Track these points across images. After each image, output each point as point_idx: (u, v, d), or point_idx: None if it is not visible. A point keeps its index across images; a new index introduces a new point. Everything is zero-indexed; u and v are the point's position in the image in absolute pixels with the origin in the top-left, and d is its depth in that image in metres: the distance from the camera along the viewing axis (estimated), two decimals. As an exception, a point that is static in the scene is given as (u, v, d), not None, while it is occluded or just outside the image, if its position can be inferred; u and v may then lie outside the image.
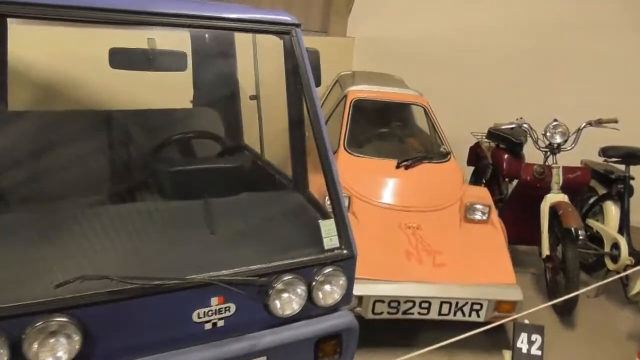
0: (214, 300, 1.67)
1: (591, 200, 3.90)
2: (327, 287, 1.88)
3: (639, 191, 3.79)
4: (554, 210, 3.30)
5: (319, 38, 6.61)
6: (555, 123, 3.42)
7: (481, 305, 2.71)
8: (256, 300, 1.73)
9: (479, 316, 2.73)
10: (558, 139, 3.41)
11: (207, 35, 3.05)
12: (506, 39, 5.35)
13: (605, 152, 3.67)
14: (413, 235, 3.00)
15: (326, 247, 1.88)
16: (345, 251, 1.91)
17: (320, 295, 1.86)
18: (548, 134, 3.41)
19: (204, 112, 3.01)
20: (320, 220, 1.90)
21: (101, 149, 2.22)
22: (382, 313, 2.68)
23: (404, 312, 2.70)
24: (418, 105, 3.89)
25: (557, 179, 3.39)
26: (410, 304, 2.68)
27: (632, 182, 3.56)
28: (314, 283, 1.83)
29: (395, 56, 6.05)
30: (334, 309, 1.93)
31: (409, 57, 5.98)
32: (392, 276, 2.73)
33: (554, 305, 3.40)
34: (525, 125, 3.52)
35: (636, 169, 3.59)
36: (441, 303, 2.69)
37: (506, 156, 4.11)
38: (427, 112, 3.86)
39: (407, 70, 5.84)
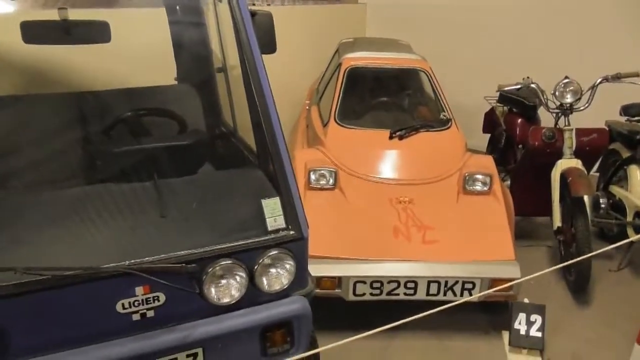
0: (139, 290, 1.55)
1: (616, 165, 3.54)
2: (273, 271, 1.73)
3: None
4: (564, 177, 2.99)
5: (329, 6, 6.34)
6: (566, 81, 3.08)
7: (473, 284, 2.49)
8: (188, 288, 1.59)
9: (471, 295, 2.51)
10: (569, 98, 3.07)
11: (178, 7, 2.91)
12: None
13: (627, 110, 3.29)
14: (404, 211, 2.79)
15: (270, 228, 1.72)
16: (292, 232, 1.74)
17: (265, 281, 1.71)
18: (557, 93, 3.08)
19: (180, 89, 2.88)
20: (263, 199, 1.73)
21: (52, 133, 2.13)
22: (364, 294, 2.51)
23: (389, 293, 2.51)
24: (418, 70, 3.61)
25: (570, 142, 3.07)
26: (395, 284, 2.49)
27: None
28: (256, 267, 1.68)
29: (410, 21, 5.72)
30: (284, 294, 1.77)
31: (424, 22, 5.64)
32: (375, 255, 2.54)
33: (567, 281, 3.12)
34: (532, 85, 3.19)
35: (664, 127, 3.20)
36: (429, 282, 2.49)
37: (519, 120, 3.78)
38: (429, 77, 3.58)
39: (423, 36, 5.51)
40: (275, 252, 1.70)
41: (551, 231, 3.37)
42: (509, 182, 3.64)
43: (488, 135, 4.45)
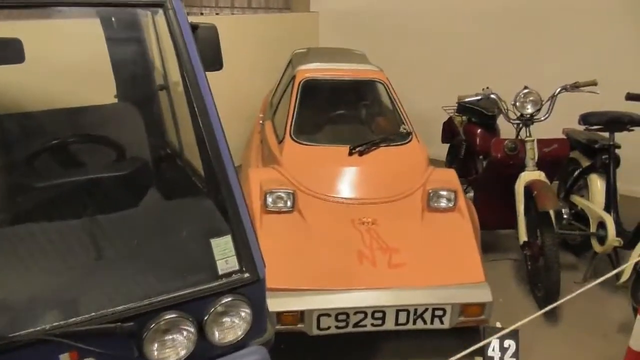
0: (65, 357, 1.30)
1: (575, 174, 3.51)
2: (226, 320, 1.51)
3: (628, 159, 3.39)
4: (529, 190, 2.91)
5: (280, 15, 6.17)
6: (525, 91, 3.01)
7: (444, 310, 2.34)
8: (125, 351, 1.36)
9: (442, 323, 2.36)
10: (530, 109, 3.01)
11: (113, 19, 2.64)
12: (479, 5, 4.90)
13: (585, 119, 3.26)
14: (367, 232, 2.62)
15: (221, 272, 1.50)
16: (247, 274, 1.53)
17: (217, 333, 1.49)
18: (518, 103, 3.01)
19: (119, 107, 2.61)
20: (212, 238, 1.52)
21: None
22: (329, 328, 2.31)
23: (355, 325, 2.33)
24: (376, 81, 3.47)
25: (532, 154, 2.99)
26: (362, 315, 2.31)
27: (617, 151, 3.16)
28: (206, 319, 1.46)
29: (364, 30, 5.63)
30: (240, 345, 1.56)
31: (378, 30, 5.57)
32: (339, 284, 2.35)
33: (535, 297, 3.04)
34: (493, 95, 3.11)
35: (621, 135, 3.18)
36: (397, 311, 2.32)
37: (479, 131, 3.71)
38: (386, 89, 3.45)
39: (378, 45, 5.43)
40: (228, 299, 1.49)
41: (515, 243, 3.29)
42: (471, 194, 3.56)
43: (447, 145, 4.39)
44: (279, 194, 2.69)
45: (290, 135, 3.10)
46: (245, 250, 1.54)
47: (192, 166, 2.16)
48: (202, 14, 6.82)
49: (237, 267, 1.52)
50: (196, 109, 1.58)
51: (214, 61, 1.85)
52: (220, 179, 1.56)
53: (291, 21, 5.91)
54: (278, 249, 2.46)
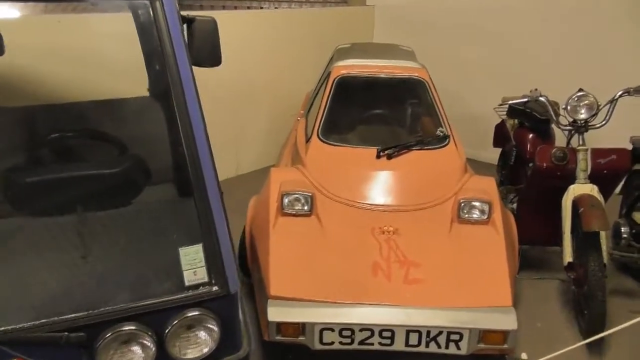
0: (12, 363, 1.26)
1: (640, 189, 3.10)
2: (191, 335, 1.41)
3: None
4: (577, 205, 2.59)
5: (336, 9, 6.02)
6: (580, 94, 2.67)
7: (461, 335, 2.12)
8: (76, 360, 1.29)
9: (458, 348, 2.14)
10: (584, 114, 2.67)
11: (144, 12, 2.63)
12: (540, 4, 4.50)
13: (653, 127, 2.85)
14: (386, 243, 2.44)
15: (187, 283, 1.41)
16: (216, 288, 1.43)
17: (178, 349, 1.40)
18: (569, 107, 2.68)
19: (141, 102, 2.59)
20: (181, 247, 1.42)
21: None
22: (332, 343, 2.16)
23: (361, 342, 2.16)
24: (415, 79, 3.24)
25: (584, 165, 2.66)
26: (368, 333, 2.14)
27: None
28: (167, 332, 1.37)
29: (421, 25, 5.36)
30: (209, 362, 1.46)
31: (436, 25, 5.28)
32: (346, 297, 2.20)
33: (580, 327, 2.71)
34: (542, 97, 2.80)
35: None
36: (408, 332, 2.13)
37: (530, 136, 3.38)
38: (427, 88, 3.21)
39: (435, 41, 5.16)
40: (194, 313, 1.39)
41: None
42: (517, 205, 3.25)
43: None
44: (297, 195, 2.57)
45: (318, 135, 2.96)
46: (217, 262, 1.44)
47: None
48: (262, 7, 6.83)
49: (205, 279, 1.42)
50: (175, 107, 1.49)
51: (211, 56, 1.76)
52: (195, 183, 1.46)
53: (346, 15, 5.74)
54: (287, 254, 2.35)
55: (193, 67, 1.71)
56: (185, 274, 1.41)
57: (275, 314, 2.13)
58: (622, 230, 2.95)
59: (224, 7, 6.61)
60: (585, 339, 2.62)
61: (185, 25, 1.71)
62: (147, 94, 2.75)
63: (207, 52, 1.73)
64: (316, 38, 5.18)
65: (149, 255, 1.47)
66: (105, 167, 1.79)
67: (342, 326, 2.13)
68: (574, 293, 2.78)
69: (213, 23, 1.75)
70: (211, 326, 1.41)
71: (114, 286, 1.37)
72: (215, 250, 1.44)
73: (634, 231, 2.96)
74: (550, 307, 2.93)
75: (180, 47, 1.54)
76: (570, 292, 2.90)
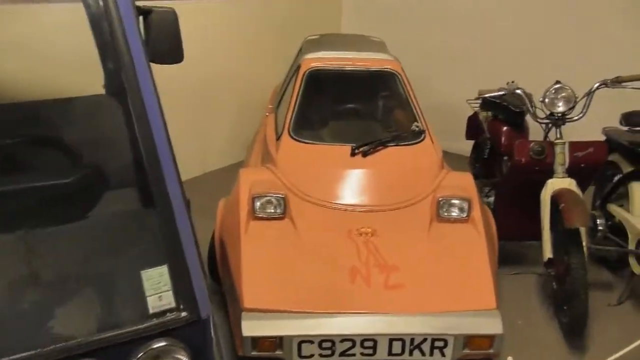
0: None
1: (614, 180, 3.09)
2: (159, 368, 1.26)
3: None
4: (556, 200, 2.54)
5: (302, -1, 5.84)
6: (557, 86, 2.62)
7: (445, 341, 2.03)
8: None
9: (443, 355, 2.05)
10: (561, 107, 2.62)
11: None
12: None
13: (628, 118, 2.84)
14: (365, 246, 2.32)
15: (152, 311, 1.25)
16: (185, 313, 1.27)
17: (144, 385, 1.24)
18: (547, 100, 2.62)
19: (95, 101, 2.38)
20: (143, 270, 1.26)
21: None
22: (312, 356, 2.04)
23: (342, 354, 2.05)
24: (388, 72, 3.12)
25: (562, 158, 2.61)
26: (349, 344, 2.03)
27: (665, 156, 2.73)
28: (131, 367, 1.22)
29: (390, 14, 5.24)
30: (178, 396, 1.31)
31: (406, 14, 5.16)
32: (325, 306, 2.08)
33: (559, 322, 2.67)
34: (518, 90, 2.73)
35: (671, 139, 2.75)
36: (391, 341, 2.03)
37: (505, 129, 3.32)
38: (400, 81, 3.10)
39: (404, 31, 5.05)
40: (160, 343, 1.24)
41: (542, 255, 2.93)
42: (492, 199, 3.19)
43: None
44: (269, 198, 2.42)
45: (289, 132, 2.81)
46: (185, 284, 1.28)
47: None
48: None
49: (173, 305, 1.27)
50: (131, 109, 1.32)
51: (171, 52, 1.59)
52: (157, 195, 1.29)
53: (312, 5, 5.57)
54: (260, 262, 2.21)
55: (152, 63, 1.55)
56: (149, 300, 1.25)
57: (250, 328, 1.99)
58: (598, 223, 2.93)
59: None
60: (566, 336, 2.60)
61: (141, 17, 1.54)
62: (102, 91, 2.55)
63: (167, 47, 1.56)
64: (282, 28, 5.01)
65: (106, 279, 1.30)
66: (55, 177, 1.59)
67: (322, 338, 2.01)
68: (553, 289, 2.74)
69: (173, 15, 1.57)
70: (180, 357, 1.26)
71: (66, 317, 1.20)
72: (182, 271, 1.28)
73: (610, 223, 2.95)
74: (529, 303, 2.89)
75: (136, 42, 1.37)
76: (549, 287, 2.87)
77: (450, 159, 4.54)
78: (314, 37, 3.93)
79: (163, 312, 1.25)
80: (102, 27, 1.49)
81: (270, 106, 3.84)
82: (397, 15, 5.19)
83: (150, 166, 1.31)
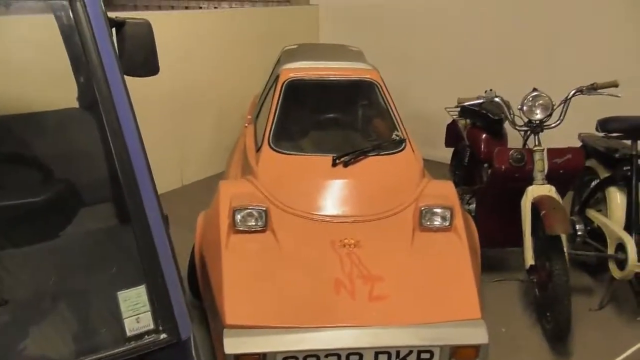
0: None
1: (592, 185, 3.13)
2: (137, 394, 1.21)
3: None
4: (537, 207, 2.55)
5: (279, 8, 5.84)
6: (534, 94, 2.64)
7: (431, 353, 2.01)
8: None
9: (429, 367, 2.03)
10: (539, 114, 2.64)
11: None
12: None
13: (604, 125, 2.88)
14: (348, 257, 2.29)
15: (129, 333, 1.20)
16: (164, 335, 1.22)
17: (121, 412, 1.19)
18: (525, 107, 2.64)
19: (68, 115, 2.31)
20: (120, 291, 1.21)
21: None
22: (296, 372, 2.00)
23: (328, 369, 2.01)
24: (367, 81, 3.12)
25: (541, 165, 2.63)
26: (335, 358, 1.99)
27: (641, 161, 2.77)
28: (107, 394, 1.16)
29: (367, 25, 5.27)
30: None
31: (383, 24, 5.20)
32: (309, 320, 2.04)
33: (543, 328, 2.68)
34: (496, 98, 2.75)
35: (646, 144, 2.79)
36: (376, 354, 2.00)
37: (484, 136, 3.35)
38: (379, 90, 3.10)
39: (382, 40, 5.09)
40: (140, 368, 1.19)
41: (522, 260, 2.94)
42: (474, 206, 3.20)
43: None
44: (250, 210, 2.38)
45: (269, 143, 2.77)
46: (164, 304, 1.24)
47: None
48: (200, 7, 6.55)
49: (151, 327, 1.22)
50: (105, 123, 1.27)
51: (146, 64, 1.54)
52: (133, 212, 1.25)
53: (290, 15, 5.58)
54: (242, 277, 2.17)
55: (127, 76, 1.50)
56: (126, 322, 1.20)
57: (233, 345, 1.94)
58: (577, 228, 2.96)
59: (159, 8, 6.27)
60: (549, 342, 2.60)
61: (114, 29, 1.50)
62: (76, 104, 2.48)
63: (141, 60, 1.52)
64: (260, 39, 4.99)
65: (81, 301, 1.25)
66: (26, 195, 1.53)
67: (307, 353, 1.97)
68: (535, 296, 2.75)
69: (147, 26, 1.53)
70: (161, 381, 1.22)
71: (38, 342, 1.14)
72: (161, 290, 1.24)
73: (589, 228, 2.98)
74: (512, 310, 2.90)
75: (108, 54, 1.32)
76: (531, 294, 2.88)
77: (430, 167, 4.57)
78: (292, 47, 3.91)
79: (141, 335, 1.20)
80: (73, 39, 1.45)
81: (249, 117, 3.80)
82: (373, 27, 5.22)
83: (125, 182, 1.26)
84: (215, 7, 6.39)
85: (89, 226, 1.56)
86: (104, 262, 1.31)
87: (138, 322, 1.21)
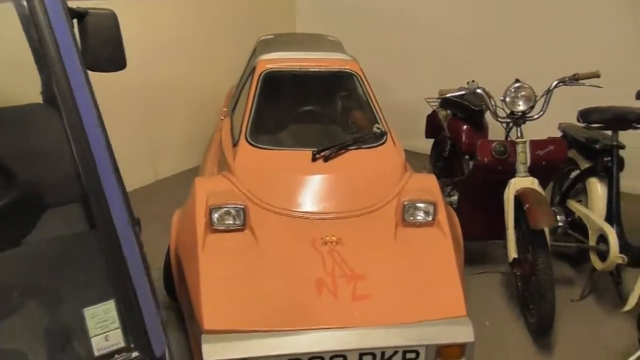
0: None
1: (572, 175, 3.12)
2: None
3: (633, 159, 2.98)
4: (520, 200, 2.52)
5: (255, -4, 5.68)
6: (517, 85, 2.60)
7: (417, 353, 1.96)
8: None
9: (415, 367, 1.99)
10: (521, 106, 2.60)
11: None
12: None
13: (585, 116, 2.86)
14: (330, 255, 2.22)
15: (97, 353, 1.11)
16: (136, 353, 1.14)
17: None
18: (508, 99, 2.60)
19: (31, 111, 2.17)
20: (86, 307, 1.11)
21: None
22: (278, 377, 1.93)
23: (311, 372, 1.95)
24: (346, 72, 3.04)
25: (523, 157, 2.60)
26: (318, 361, 1.93)
27: (621, 152, 2.76)
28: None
29: (346, 12, 5.16)
30: None
31: (362, 14, 5.10)
32: (291, 323, 1.96)
33: (526, 321, 2.67)
34: (479, 90, 2.70)
35: (626, 134, 2.78)
36: (361, 355, 1.95)
37: (465, 127, 3.30)
38: (359, 81, 3.02)
39: (361, 30, 5.00)
40: (109, 390, 1.10)
41: (505, 252, 2.93)
42: (455, 198, 3.17)
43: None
44: (227, 209, 2.29)
45: (246, 138, 2.67)
46: (136, 320, 1.15)
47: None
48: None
49: (122, 345, 1.13)
50: (65, 121, 1.17)
51: (111, 58, 1.43)
52: (98, 218, 1.15)
53: (266, 3, 5.43)
54: (220, 279, 2.08)
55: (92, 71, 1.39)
56: (93, 340, 1.10)
57: (212, 351, 1.86)
58: (558, 219, 2.94)
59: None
60: (533, 335, 2.59)
61: (76, 21, 1.39)
62: (40, 99, 2.34)
63: (107, 54, 1.41)
64: (235, 28, 4.85)
65: (45, 319, 1.15)
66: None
67: (289, 357, 1.89)
68: (518, 288, 2.74)
69: (112, 18, 1.42)
70: (132, 402, 1.13)
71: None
72: (132, 305, 1.15)
73: (569, 219, 2.98)
74: (495, 302, 2.88)
75: (68, 47, 1.21)
76: (514, 286, 2.86)
77: (410, 158, 4.51)
78: (268, 36, 3.80)
79: (111, 354, 1.12)
80: (31, 30, 1.33)
81: (225, 109, 3.68)
82: (352, 15, 5.13)
83: (89, 184, 1.16)
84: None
85: (53, 233, 1.45)
86: (69, 274, 1.21)
87: (107, 340, 1.12)
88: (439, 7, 4.69)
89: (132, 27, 4.12)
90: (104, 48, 1.40)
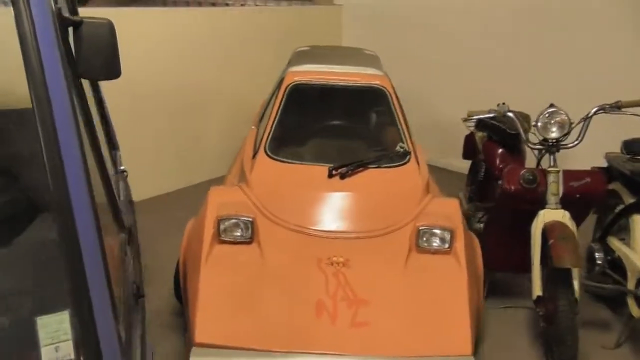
0: None
1: (617, 210, 2.87)
2: None
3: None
4: (546, 235, 2.34)
5: (302, 8, 5.71)
6: (551, 110, 2.42)
7: (412, 390, 1.85)
8: None
9: (410, 405, 1.87)
10: (555, 132, 2.42)
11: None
12: (520, 4, 4.27)
13: (629, 146, 2.63)
14: (334, 277, 2.15)
15: (46, 366, 1.09)
16: (87, 367, 1.11)
17: None
18: (540, 124, 2.43)
19: (23, 116, 2.23)
20: (39, 316, 1.10)
21: None
22: (266, 400, 1.87)
23: (299, 399, 1.87)
24: (375, 88, 2.95)
25: (555, 188, 2.41)
26: (307, 388, 1.86)
27: (670, 188, 2.52)
28: None
29: (392, 26, 5.08)
30: None
31: (408, 27, 5.00)
32: (285, 344, 1.90)
33: (548, 366, 2.46)
34: (509, 113, 2.54)
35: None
36: (353, 386, 1.85)
37: (500, 151, 3.12)
38: (388, 97, 2.93)
39: (406, 44, 4.90)
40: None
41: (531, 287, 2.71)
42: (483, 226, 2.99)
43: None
44: (235, 220, 2.26)
45: (265, 150, 2.65)
46: (89, 333, 1.12)
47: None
48: (227, 4, 6.50)
49: (71, 357, 1.10)
50: (40, 132, 1.17)
51: (105, 67, 1.44)
52: (60, 226, 1.13)
53: (312, 15, 5.44)
54: (218, 292, 2.06)
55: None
56: (43, 351, 1.09)
57: (198, 366, 1.83)
58: (596, 257, 2.71)
59: (187, 4, 6.24)
60: (554, 382, 2.38)
61: (72, 29, 1.40)
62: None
63: (101, 63, 1.40)
64: (280, 39, 4.87)
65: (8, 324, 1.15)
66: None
67: (277, 380, 1.83)
68: (543, 328, 2.53)
69: (107, 27, 1.42)
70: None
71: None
72: (86, 317, 1.12)
73: (609, 258, 2.73)
74: (517, 341, 2.68)
75: (51, 55, 1.22)
76: (539, 325, 2.65)
77: (451, 177, 4.33)
78: (304, 48, 3.78)
79: (59, 367, 1.09)
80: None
81: (256, 119, 3.69)
82: (399, 28, 5.03)
83: (56, 191, 1.15)
84: (242, 5, 6.33)
85: (40, 238, 1.47)
86: (32, 281, 1.20)
87: (57, 351, 1.10)
88: (483, 27, 4.52)
89: (184, 34, 4.21)
90: (97, 56, 1.40)
